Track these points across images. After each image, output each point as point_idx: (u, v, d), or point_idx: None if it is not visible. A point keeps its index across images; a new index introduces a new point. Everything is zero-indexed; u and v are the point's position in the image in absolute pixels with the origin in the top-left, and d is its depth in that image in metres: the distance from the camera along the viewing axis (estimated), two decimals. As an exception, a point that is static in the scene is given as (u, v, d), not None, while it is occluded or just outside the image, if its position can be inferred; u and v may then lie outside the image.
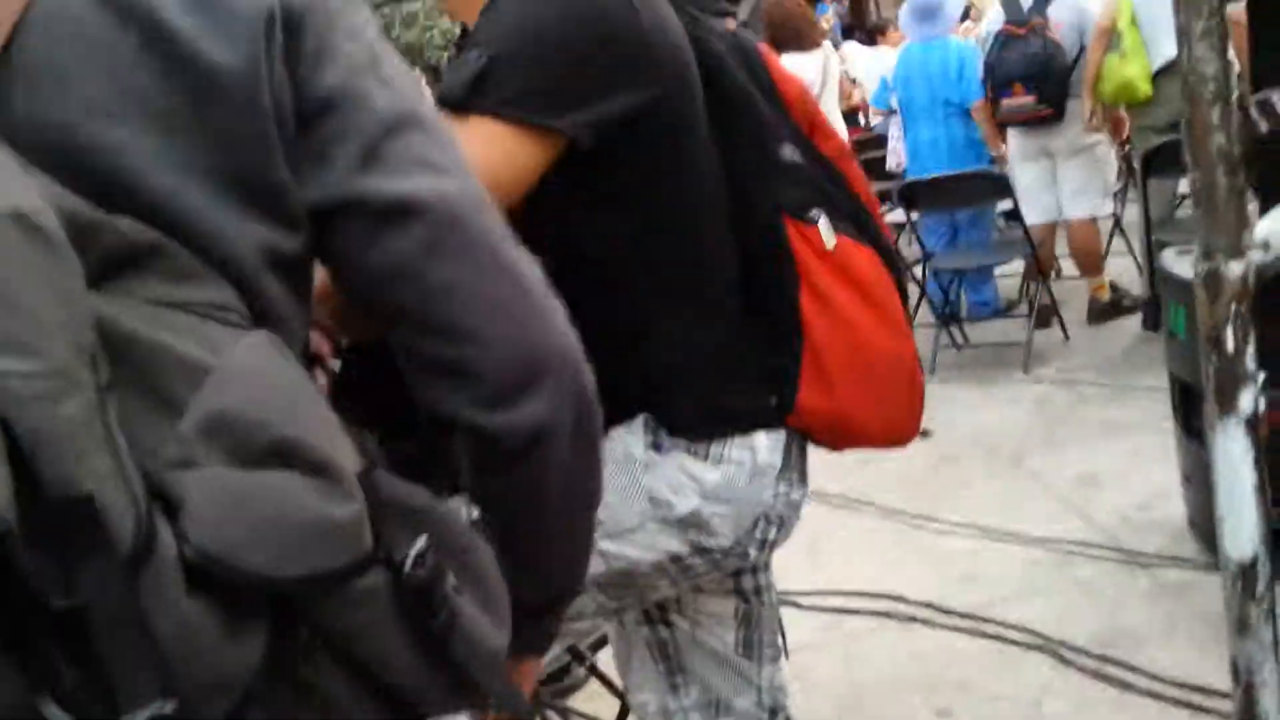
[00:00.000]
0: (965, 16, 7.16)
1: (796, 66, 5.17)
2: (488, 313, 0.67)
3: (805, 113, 1.20)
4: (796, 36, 5.19)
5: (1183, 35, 0.95)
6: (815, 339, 1.13)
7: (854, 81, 6.91)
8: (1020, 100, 4.40)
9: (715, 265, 1.13)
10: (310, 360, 0.74)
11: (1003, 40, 4.44)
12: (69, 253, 0.49)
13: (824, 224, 1.14)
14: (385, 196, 0.65)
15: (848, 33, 9.28)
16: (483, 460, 0.70)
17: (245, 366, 0.56)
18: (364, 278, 0.66)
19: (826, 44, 5.71)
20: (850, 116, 6.47)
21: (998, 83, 4.45)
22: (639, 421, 1.11)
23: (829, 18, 9.52)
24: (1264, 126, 0.97)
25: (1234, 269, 0.95)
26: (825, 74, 5.37)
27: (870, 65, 6.86)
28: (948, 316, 4.68)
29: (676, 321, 1.11)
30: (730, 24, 1.22)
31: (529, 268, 0.70)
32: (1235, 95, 0.94)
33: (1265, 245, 0.96)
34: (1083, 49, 4.40)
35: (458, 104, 0.97)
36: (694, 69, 1.09)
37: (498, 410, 0.67)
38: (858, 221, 1.19)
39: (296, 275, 0.66)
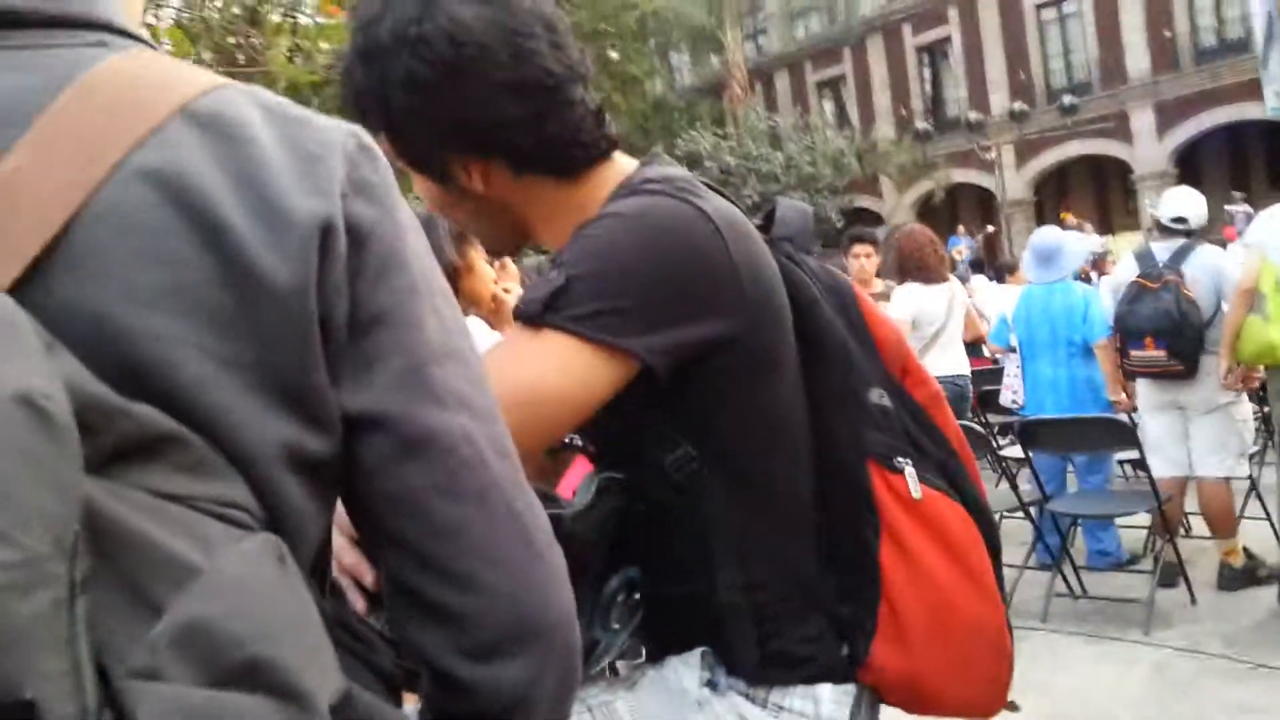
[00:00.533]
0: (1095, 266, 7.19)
1: (922, 298, 5.31)
2: (490, 562, 0.65)
3: (898, 357, 1.18)
4: (923, 268, 5.31)
5: None
6: (894, 593, 1.09)
7: (981, 315, 6.94)
8: (1150, 353, 4.32)
9: (791, 505, 1.11)
10: (323, 569, 0.72)
11: (1135, 293, 4.40)
12: (71, 438, 0.48)
13: (910, 473, 1.11)
14: (415, 424, 0.65)
15: (978, 267, 9.42)
16: (448, 713, 0.67)
17: (235, 574, 0.54)
18: (374, 499, 0.66)
19: (954, 278, 5.80)
20: (974, 347, 6.47)
21: (1128, 334, 4.39)
22: (696, 655, 1.08)
23: (961, 250, 9.71)
24: None
25: None
26: (951, 306, 5.42)
27: (997, 300, 6.90)
28: (1062, 562, 4.48)
29: (745, 556, 1.08)
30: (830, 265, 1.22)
31: (540, 520, 0.69)
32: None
33: None
34: (1219, 308, 4.34)
35: (532, 317, 0.99)
36: (784, 307, 1.09)
37: (480, 664, 0.65)
38: (947, 472, 1.16)
39: (321, 479, 0.65)
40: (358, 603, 0.91)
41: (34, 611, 0.45)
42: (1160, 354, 4.31)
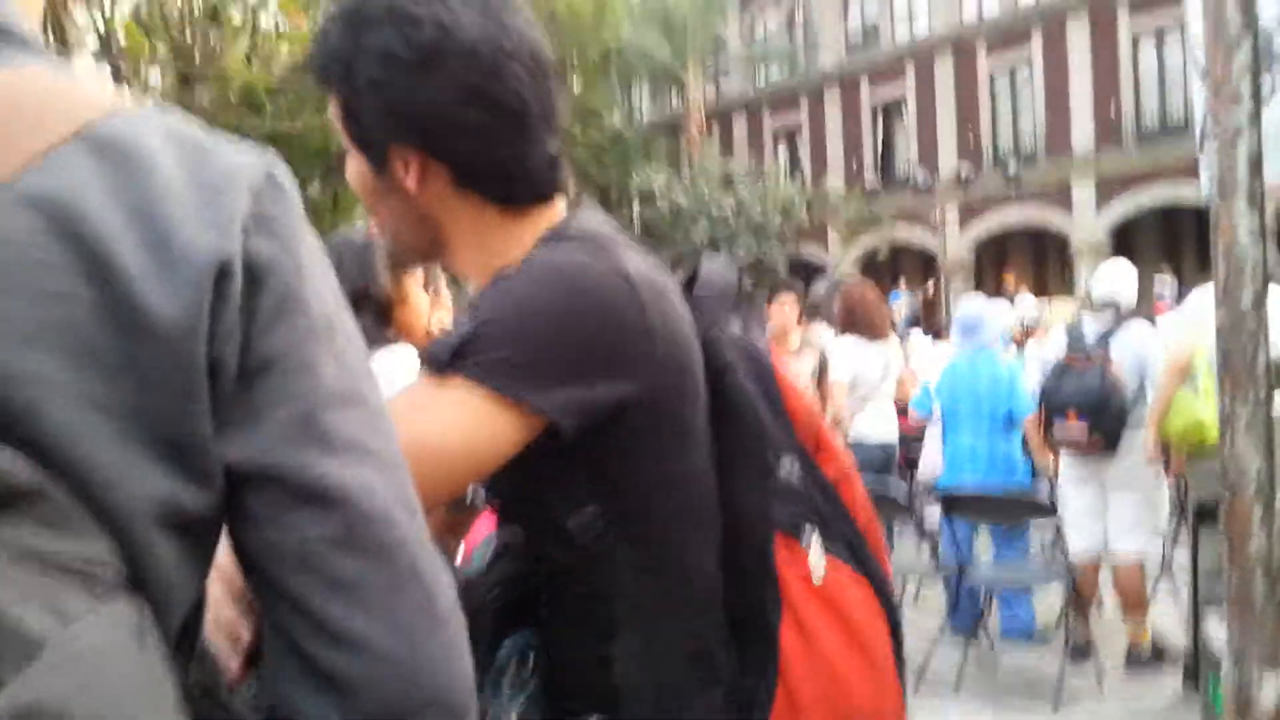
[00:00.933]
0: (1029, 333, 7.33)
1: (861, 357, 5.39)
2: (388, 626, 0.60)
3: (810, 430, 1.17)
4: (868, 326, 5.44)
5: (1225, 424, 0.90)
6: (790, 673, 1.07)
7: (915, 379, 6.99)
8: (1073, 426, 4.39)
9: (696, 576, 1.09)
10: (193, 629, 0.66)
11: (1061, 370, 4.48)
12: None
13: (816, 548, 1.10)
14: (307, 475, 0.60)
15: (915, 323, 9.60)
16: None
17: (85, 649, 0.50)
18: (264, 553, 0.61)
19: (894, 337, 5.86)
20: (905, 408, 6.53)
21: (1052, 409, 4.46)
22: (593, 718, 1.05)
23: (901, 305, 9.87)
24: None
25: (1268, 690, 0.87)
26: (887, 368, 5.50)
27: (933, 361, 6.97)
28: (976, 632, 4.49)
29: (646, 626, 1.06)
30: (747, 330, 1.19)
31: (444, 583, 0.64)
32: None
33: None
34: (1141, 387, 4.41)
35: (439, 365, 0.97)
36: (698, 371, 1.08)
37: None
38: (853, 549, 1.14)
39: (196, 536, 0.60)
40: (232, 663, 0.85)
41: None
42: (1083, 427, 4.37)
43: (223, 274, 0.59)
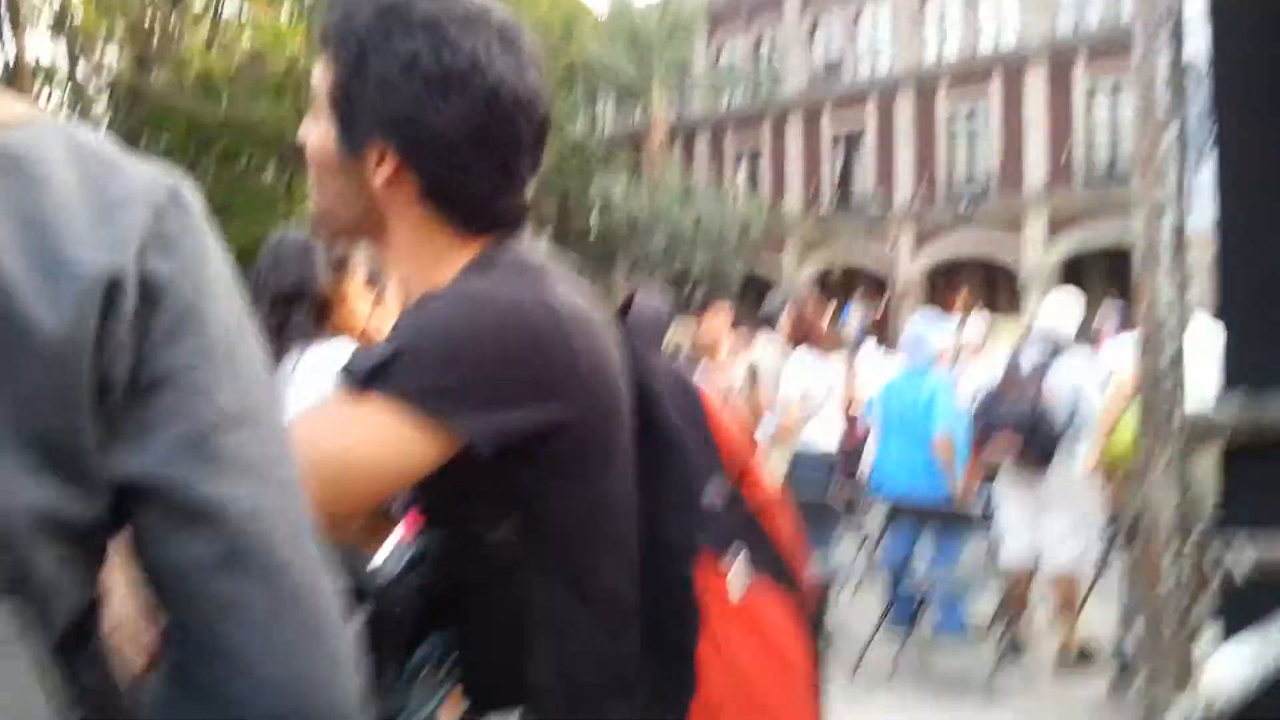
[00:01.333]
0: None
1: (811, 374, 5.56)
2: (268, 649, 0.61)
3: (738, 459, 1.18)
4: (817, 337, 5.70)
5: (1141, 472, 0.96)
6: (708, 693, 1.08)
7: (862, 391, 7.13)
8: (1007, 440, 4.55)
9: (612, 599, 1.09)
10: (86, 632, 0.66)
11: (995, 396, 4.69)
12: None
13: (737, 565, 1.11)
14: (193, 494, 0.60)
15: (868, 332, 9.74)
16: None
17: None
18: (151, 568, 0.61)
19: (841, 352, 6.05)
20: (853, 418, 6.67)
21: (986, 429, 4.66)
22: (515, 716, 1.05)
23: (856, 317, 10.00)
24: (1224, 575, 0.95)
25: (1174, 714, 0.91)
26: (833, 383, 5.70)
27: (881, 373, 7.10)
28: (911, 625, 4.59)
29: (559, 642, 1.06)
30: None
31: (329, 603, 0.64)
32: (1194, 538, 0.93)
33: (1209, 705, 0.92)
34: (1073, 415, 4.51)
35: (355, 384, 0.96)
36: (624, 400, 1.08)
37: None
38: (775, 567, 1.15)
39: (81, 544, 0.60)
40: (137, 659, 0.83)
41: None
42: (1017, 440, 4.53)
43: (113, 289, 0.59)
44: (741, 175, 27.03)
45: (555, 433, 1.01)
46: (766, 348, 5.75)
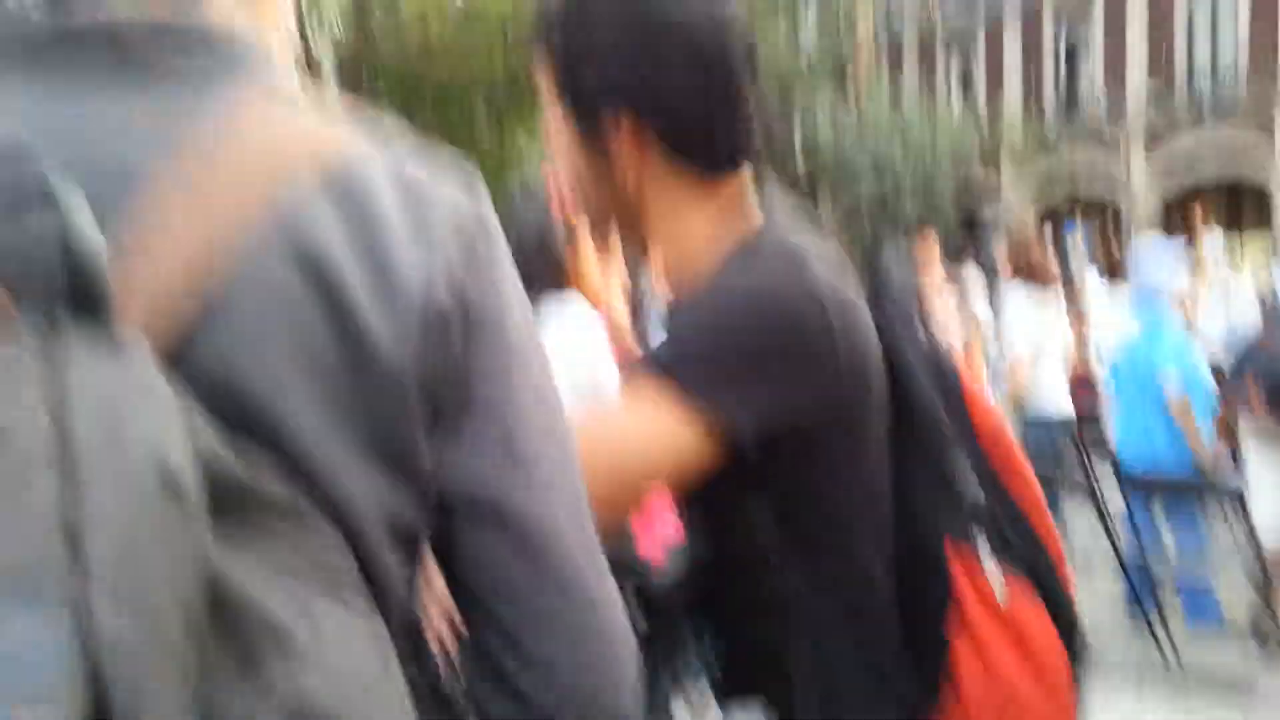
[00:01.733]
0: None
1: (1038, 314, 5.25)
2: (570, 652, 0.67)
3: (1000, 450, 1.16)
4: (1030, 271, 5.35)
5: None
6: (965, 689, 1.08)
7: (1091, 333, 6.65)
8: (1251, 395, 4.17)
9: (868, 584, 1.11)
10: (413, 632, 0.74)
11: (1249, 352, 4.29)
12: (199, 512, 0.50)
13: (993, 566, 1.10)
14: (507, 506, 0.66)
15: (1093, 259, 9.02)
16: None
17: (334, 647, 0.55)
18: (467, 575, 0.68)
19: (1061, 298, 5.68)
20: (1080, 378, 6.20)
21: (1239, 387, 4.27)
22: (758, 707, 1.12)
23: (1078, 237, 9.31)
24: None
25: None
26: (1054, 324, 5.37)
27: (1109, 314, 6.68)
28: (1154, 624, 4.35)
29: (818, 634, 1.10)
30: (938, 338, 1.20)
31: (618, 613, 0.71)
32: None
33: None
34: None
35: (639, 373, 1.03)
36: (879, 385, 1.11)
37: None
38: (1034, 569, 1.13)
39: (411, 545, 0.67)
40: (449, 657, 0.97)
41: (157, 678, 0.46)
42: (1261, 398, 4.16)
43: (433, 310, 0.64)
44: (955, 92, 25.63)
45: (816, 423, 1.05)
46: (978, 288, 5.52)
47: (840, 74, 23.60)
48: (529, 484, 0.67)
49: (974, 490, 1.12)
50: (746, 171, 1.15)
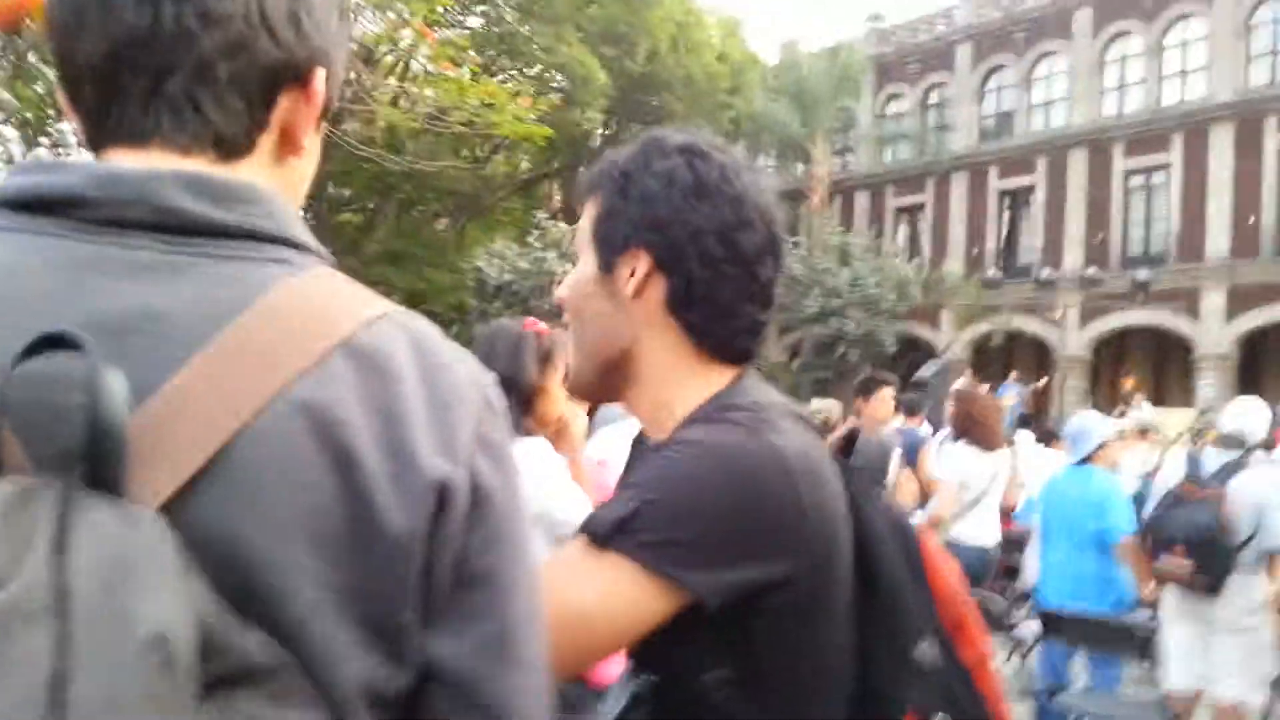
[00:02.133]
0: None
1: (972, 464, 5.40)
2: None
3: (954, 610, 1.19)
4: (984, 434, 5.48)
5: None
6: None
7: (1021, 485, 6.85)
8: (1177, 562, 4.32)
9: None
10: None
11: (1173, 500, 4.42)
12: (189, 677, 0.51)
13: None
14: (489, 689, 0.68)
15: (1024, 422, 9.30)
16: None
17: None
18: None
19: (1007, 449, 5.84)
20: (1008, 513, 6.40)
21: (1158, 540, 4.40)
22: None
23: (1011, 397, 9.59)
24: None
25: None
26: (996, 476, 5.50)
27: (1038, 469, 6.83)
28: None
29: None
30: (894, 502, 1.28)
31: None
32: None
33: None
34: (1253, 535, 4.32)
35: (598, 538, 1.02)
36: (846, 548, 1.11)
37: None
38: None
39: (388, 714, 0.67)
40: None
41: None
42: (1187, 564, 4.28)
43: (447, 489, 0.66)
44: (902, 234, 26.59)
45: (780, 587, 1.04)
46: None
47: (794, 202, 24.38)
48: (514, 667, 0.69)
49: (929, 656, 1.15)
50: (740, 369, 1.18)
